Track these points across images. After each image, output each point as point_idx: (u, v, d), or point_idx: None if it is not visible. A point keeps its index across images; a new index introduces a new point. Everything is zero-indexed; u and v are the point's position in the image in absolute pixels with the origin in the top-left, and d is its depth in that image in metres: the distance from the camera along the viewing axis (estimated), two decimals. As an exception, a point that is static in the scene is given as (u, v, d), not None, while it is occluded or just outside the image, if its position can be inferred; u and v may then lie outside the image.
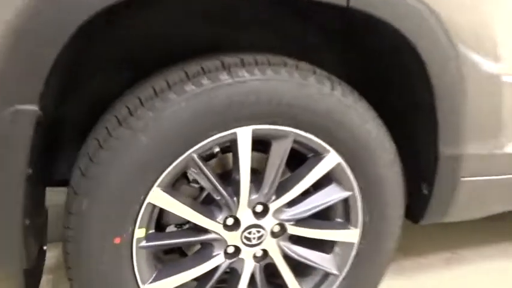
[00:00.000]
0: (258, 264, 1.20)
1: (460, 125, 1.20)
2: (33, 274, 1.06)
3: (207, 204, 1.15)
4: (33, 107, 0.85)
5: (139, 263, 1.07)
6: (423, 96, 1.18)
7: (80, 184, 0.98)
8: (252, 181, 1.14)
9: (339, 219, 1.26)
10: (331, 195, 1.20)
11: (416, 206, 1.36)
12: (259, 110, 1.03)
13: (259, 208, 1.15)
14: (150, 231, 1.09)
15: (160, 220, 1.20)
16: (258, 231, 1.16)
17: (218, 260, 1.15)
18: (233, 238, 1.15)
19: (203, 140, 1.02)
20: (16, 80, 0.83)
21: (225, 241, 1.15)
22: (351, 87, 1.16)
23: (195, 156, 1.03)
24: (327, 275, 1.27)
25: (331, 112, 1.09)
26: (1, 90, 0.83)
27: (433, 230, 1.96)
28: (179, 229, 1.21)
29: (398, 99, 1.30)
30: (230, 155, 1.22)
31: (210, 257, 1.15)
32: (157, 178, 1.01)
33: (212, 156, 1.19)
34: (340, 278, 1.26)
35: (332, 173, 1.18)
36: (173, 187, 1.12)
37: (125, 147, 0.96)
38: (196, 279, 1.18)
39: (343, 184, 1.19)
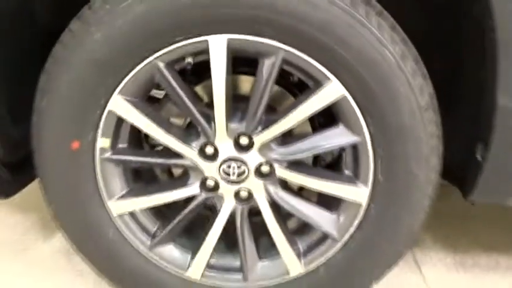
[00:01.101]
0: (240, 206, 1.04)
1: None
2: (14, 170, 1.09)
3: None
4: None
5: (105, 176, 1.01)
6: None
7: (42, 81, 0.94)
8: (238, 108, 0.98)
9: (347, 172, 1.01)
10: (334, 138, 0.95)
11: (467, 176, 1.02)
12: (234, 14, 0.84)
13: (244, 140, 0.98)
14: (121, 145, 1.02)
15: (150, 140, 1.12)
16: (239, 167, 0.99)
17: (192, 190, 1.03)
18: (210, 169, 1.00)
19: (167, 45, 0.88)
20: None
21: (202, 171, 1.01)
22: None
23: (160, 64, 0.90)
24: (325, 237, 1.04)
25: (330, 25, 0.83)
26: None
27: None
28: (154, 149, 1.11)
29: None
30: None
31: (184, 184, 1.03)
32: (118, 84, 0.92)
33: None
34: (339, 245, 1.02)
35: (338, 110, 0.93)
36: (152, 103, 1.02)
37: (79, 43, 0.88)
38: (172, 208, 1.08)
39: (352, 127, 0.93)
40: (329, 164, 1.16)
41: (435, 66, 0.98)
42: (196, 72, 1.05)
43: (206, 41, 0.87)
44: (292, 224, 1.16)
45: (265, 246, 1.10)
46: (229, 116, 0.95)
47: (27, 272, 1.29)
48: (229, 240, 1.13)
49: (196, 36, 0.87)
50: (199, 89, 1.09)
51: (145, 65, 0.90)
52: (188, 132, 1.01)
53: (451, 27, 1.01)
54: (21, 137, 1.04)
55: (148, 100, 1.04)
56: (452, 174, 1.12)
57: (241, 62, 0.99)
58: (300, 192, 1.15)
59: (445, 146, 1.07)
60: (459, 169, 1.06)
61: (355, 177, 0.98)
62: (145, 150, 1.11)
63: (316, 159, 1.16)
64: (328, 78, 0.88)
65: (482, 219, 1.65)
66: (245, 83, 1.08)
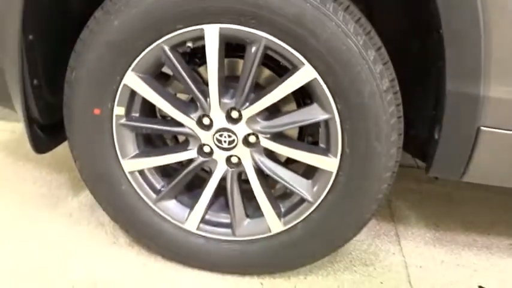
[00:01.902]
0: (230, 170, 1.23)
1: (475, 55, 0.95)
2: (49, 131, 1.32)
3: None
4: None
5: (120, 138, 1.22)
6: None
7: (72, 58, 1.15)
8: (230, 86, 1.16)
9: (322, 145, 1.17)
10: (309, 115, 1.12)
11: (428, 154, 1.16)
12: (224, 7, 1.02)
13: (235, 114, 1.16)
14: (134, 114, 1.22)
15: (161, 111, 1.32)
16: (230, 136, 1.18)
17: (191, 154, 1.23)
18: (206, 137, 1.20)
19: (171, 32, 1.07)
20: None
21: (199, 139, 1.20)
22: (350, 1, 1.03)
23: (165, 47, 1.10)
24: (302, 200, 1.22)
25: (303, 19, 1.00)
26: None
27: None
28: (164, 119, 1.31)
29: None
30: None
31: (184, 149, 1.23)
32: (132, 62, 1.12)
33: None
34: (313, 207, 1.19)
35: (312, 91, 1.09)
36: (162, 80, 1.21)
37: (100, 28, 1.09)
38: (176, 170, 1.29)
39: (324, 105, 1.09)
40: (314, 142, 1.33)
41: (404, 57, 1.14)
42: (201, 55, 1.24)
43: (202, 29, 1.06)
44: (278, 190, 1.34)
45: (253, 207, 1.29)
46: (222, 92, 1.14)
47: (57, 220, 1.53)
48: (222, 201, 1.33)
49: (194, 25, 1.05)
50: (202, 69, 1.27)
51: (153, 47, 1.09)
52: (189, 105, 1.20)
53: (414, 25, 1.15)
54: (56, 104, 1.26)
55: (162, 76, 1.24)
56: (419, 152, 1.27)
57: (239, 48, 1.17)
58: (287, 162, 1.32)
59: (413, 125, 1.23)
60: (424, 147, 1.21)
61: (327, 150, 1.15)
62: (153, 118, 1.31)
63: (303, 135, 1.33)
64: (302, 63, 1.05)
65: (468, 202, 1.77)
66: (240, 65, 1.26)
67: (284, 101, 1.23)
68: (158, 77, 1.21)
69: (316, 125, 1.16)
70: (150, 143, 1.33)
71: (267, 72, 1.26)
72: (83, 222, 1.53)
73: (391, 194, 1.78)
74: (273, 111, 1.20)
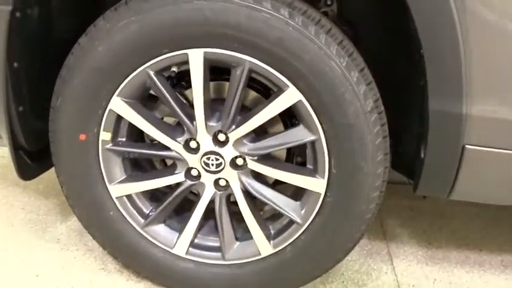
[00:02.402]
0: (219, 193, 1.23)
1: (456, 75, 0.96)
2: (35, 157, 1.31)
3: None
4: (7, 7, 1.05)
5: (107, 163, 1.21)
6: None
7: (58, 84, 1.15)
8: (217, 109, 1.16)
9: (309, 166, 1.17)
10: (296, 136, 1.12)
11: (415, 172, 1.17)
12: (206, 32, 1.02)
13: (221, 137, 1.16)
14: (120, 138, 1.22)
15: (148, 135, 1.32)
16: (217, 159, 1.17)
17: (178, 178, 1.22)
18: (193, 161, 1.19)
19: (156, 57, 1.07)
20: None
21: (186, 162, 1.20)
22: (332, 23, 1.04)
23: (150, 72, 1.10)
24: (291, 222, 1.21)
25: (285, 42, 1.01)
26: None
27: None
28: (148, 142, 1.31)
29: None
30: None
31: (171, 173, 1.23)
32: (117, 88, 1.12)
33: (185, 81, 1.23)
34: (302, 229, 1.18)
35: (298, 113, 1.10)
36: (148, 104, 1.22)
37: (84, 53, 1.09)
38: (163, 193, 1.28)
39: (310, 127, 1.09)
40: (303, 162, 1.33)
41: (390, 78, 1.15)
42: (187, 78, 1.24)
43: (186, 53, 1.06)
44: (267, 211, 1.33)
45: (243, 230, 1.28)
46: (208, 115, 1.14)
47: (46, 246, 1.51)
48: (211, 224, 1.32)
49: (179, 50, 1.06)
50: (188, 92, 1.27)
51: (138, 72, 1.10)
52: (176, 129, 1.20)
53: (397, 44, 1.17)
54: (42, 130, 1.26)
55: (149, 99, 1.24)
56: (407, 170, 1.27)
57: (225, 71, 1.18)
58: (275, 184, 1.32)
59: (401, 144, 1.23)
60: (411, 165, 1.21)
61: (314, 171, 1.15)
62: (140, 143, 1.31)
63: (291, 156, 1.33)
64: (287, 85, 1.05)
65: (459, 218, 1.77)
66: (226, 88, 1.26)
67: (271, 122, 1.23)
68: (145, 101, 1.21)
69: (303, 145, 1.16)
70: (138, 167, 1.32)
71: (253, 94, 1.26)
72: (72, 248, 1.51)
73: (383, 212, 1.78)
74: (259, 133, 1.20)
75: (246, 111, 1.19)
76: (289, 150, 1.33)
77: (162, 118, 1.27)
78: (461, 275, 1.47)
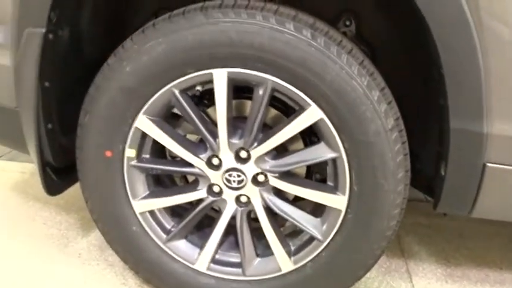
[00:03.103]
0: (240, 209, 1.24)
1: (477, 93, 0.98)
2: (61, 173, 1.35)
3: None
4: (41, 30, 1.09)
5: (131, 179, 1.24)
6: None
7: (86, 102, 1.19)
8: (239, 127, 1.19)
9: (330, 183, 1.18)
10: (317, 153, 1.14)
11: (436, 190, 1.17)
12: (230, 52, 1.06)
13: (243, 154, 1.18)
14: (145, 155, 1.25)
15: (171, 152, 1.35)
16: (239, 176, 1.20)
17: (200, 194, 1.24)
18: (215, 177, 1.21)
19: (181, 76, 1.11)
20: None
21: (208, 178, 1.22)
22: (353, 44, 1.07)
23: (175, 91, 1.13)
24: (312, 238, 1.22)
25: (307, 62, 1.03)
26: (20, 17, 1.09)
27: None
28: (174, 159, 1.33)
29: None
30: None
31: (194, 189, 1.25)
32: (143, 106, 1.15)
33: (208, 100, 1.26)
34: (323, 246, 1.20)
35: (319, 131, 1.12)
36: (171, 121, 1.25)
37: (113, 74, 1.13)
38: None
39: (331, 144, 1.11)
40: (322, 179, 1.34)
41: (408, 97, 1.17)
42: (209, 97, 1.28)
43: (211, 73, 1.10)
44: (287, 227, 1.35)
45: (263, 246, 1.29)
46: (231, 133, 1.17)
47: (67, 261, 1.54)
48: (231, 240, 1.33)
49: (203, 69, 1.09)
50: (211, 110, 1.31)
51: (164, 91, 1.13)
52: (199, 146, 1.23)
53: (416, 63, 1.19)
54: (69, 146, 1.30)
55: (172, 117, 1.28)
56: (426, 188, 1.28)
57: (247, 89, 1.21)
58: (295, 200, 1.33)
59: (420, 161, 1.24)
60: (431, 183, 1.22)
61: (335, 188, 1.16)
62: (163, 159, 1.34)
63: (310, 173, 1.35)
64: (309, 104, 1.08)
65: (478, 236, 1.76)
66: (248, 106, 1.29)
67: (291, 139, 1.25)
68: (168, 119, 1.25)
69: (323, 162, 1.18)
70: (160, 183, 1.35)
71: (274, 112, 1.29)
72: (93, 262, 1.53)
73: (401, 229, 1.78)
74: (280, 151, 1.22)
75: (266, 129, 1.22)
76: (308, 167, 1.35)
77: (185, 135, 1.30)
78: (482, 294, 1.47)
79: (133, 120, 1.17)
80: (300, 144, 1.31)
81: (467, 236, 1.76)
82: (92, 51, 1.32)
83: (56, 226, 1.74)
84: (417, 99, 1.23)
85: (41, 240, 1.64)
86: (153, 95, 1.14)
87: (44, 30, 1.11)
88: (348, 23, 1.35)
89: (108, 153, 1.21)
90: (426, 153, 1.23)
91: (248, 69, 1.08)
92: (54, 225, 1.74)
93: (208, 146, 1.20)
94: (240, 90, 1.24)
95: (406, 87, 1.24)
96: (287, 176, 1.20)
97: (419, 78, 1.21)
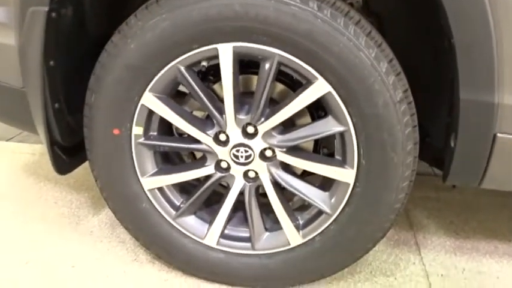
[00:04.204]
0: (248, 184, 1.25)
1: (489, 64, 0.96)
2: (70, 152, 1.35)
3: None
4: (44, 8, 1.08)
5: (139, 157, 1.25)
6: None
7: (92, 81, 1.19)
8: (245, 102, 1.18)
9: (338, 157, 1.18)
10: (324, 127, 1.13)
11: (445, 162, 1.17)
12: (236, 26, 1.04)
13: (250, 129, 1.18)
14: (152, 133, 1.25)
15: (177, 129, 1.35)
16: (246, 151, 1.20)
17: (208, 170, 1.25)
18: (223, 153, 1.22)
19: (186, 52, 1.10)
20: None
21: (216, 154, 1.22)
22: (360, 15, 1.05)
23: (181, 67, 1.13)
24: (320, 212, 1.22)
25: (314, 34, 1.02)
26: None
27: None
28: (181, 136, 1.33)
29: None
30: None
31: (202, 165, 1.25)
32: (149, 83, 1.15)
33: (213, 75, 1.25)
34: (331, 219, 1.20)
35: (326, 104, 1.11)
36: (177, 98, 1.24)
37: (118, 51, 1.13)
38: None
39: (338, 118, 1.11)
40: (330, 153, 1.34)
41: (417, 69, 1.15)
42: (215, 73, 1.27)
43: (216, 48, 1.08)
44: (296, 202, 1.35)
45: (272, 221, 1.30)
46: (237, 109, 1.16)
47: (79, 238, 1.56)
48: (240, 216, 1.34)
49: (208, 45, 1.08)
50: (217, 87, 1.30)
51: (169, 68, 1.12)
52: (206, 122, 1.23)
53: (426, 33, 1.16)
54: (77, 125, 1.30)
55: (178, 94, 1.27)
56: (435, 161, 1.27)
57: (253, 64, 1.20)
58: (303, 175, 1.33)
59: (429, 134, 1.23)
60: (440, 155, 1.21)
61: (343, 161, 1.16)
62: (171, 136, 1.33)
63: (318, 147, 1.35)
64: (316, 77, 1.07)
65: (487, 209, 1.75)
66: (254, 81, 1.28)
67: (298, 114, 1.24)
68: (175, 96, 1.24)
69: (331, 136, 1.17)
70: (168, 161, 1.35)
71: (280, 87, 1.28)
72: (104, 240, 1.56)
73: (410, 203, 1.78)
74: (287, 125, 1.22)
75: (273, 104, 1.21)
76: (316, 141, 1.35)
77: (192, 112, 1.30)
78: (490, 265, 1.47)
79: (139, 98, 1.17)
80: (307, 118, 1.30)
81: (475, 209, 1.76)
82: (96, 29, 1.30)
83: (67, 205, 1.76)
84: (427, 71, 1.21)
85: (53, 220, 1.67)
86: (158, 72, 1.13)
87: (46, 8, 1.09)
88: (355, -5, 1.33)
89: (116, 131, 1.21)
90: (435, 126, 1.22)
91: (254, 43, 1.06)
92: (65, 205, 1.77)
93: (215, 122, 1.19)
94: (246, 65, 1.23)
95: (416, 59, 1.22)
96: (294, 150, 1.20)
97: (429, 49, 1.19)
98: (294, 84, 1.27)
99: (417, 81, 1.17)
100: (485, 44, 0.95)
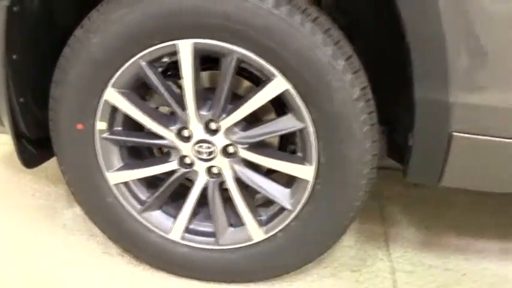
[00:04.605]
0: (212, 180, 1.26)
1: (441, 63, 0.96)
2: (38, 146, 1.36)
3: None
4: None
5: (105, 152, 1.25)
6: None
7: (56, 74, 1.19)
8: (209, 98, 1.19)
9: (299, 154, 1.19)
10: (284, 124, 1.14)
11: (405, 160, 1.17)
12: (195, 22, 1.04)
13: (213, 126, 1.19)
14: (117, 128, 1.26)
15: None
16: (209, 147, 1.20)
17: (172, 166, 1.25)
18: (186, 149, 1.22)
19: (147, 48, 1.10)
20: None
21: (180, 150, 1.23)
22: (320, 12, 1.05)
23: (142, 63, 1.13)
24: (283, 209, 1.23)
25: (271, 31, 1.02)
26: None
27: None
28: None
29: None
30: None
31: (166, 161, 1.26)
32: (111, 78, 1.15)
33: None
34: (292, 216, 1.21)
35: (286, 101, 1.11)
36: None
37: (80, 46, 1.13)
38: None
39: (298, 115, 1.11)
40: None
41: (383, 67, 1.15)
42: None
43: (176, 44, 1.09)
44: (260, 198, 1.36)
45: (237, 216, 1.30)
46: (200, 105, 1.17)
47: (53, 231, 1.57)
48: (207, 211, 1.35)
49: (169, 41, 1.08)
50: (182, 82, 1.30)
51: (131, 63, 1.13)
52: (169, 118, 1.23)
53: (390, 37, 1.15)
54: (43, 119, 1.30)
55: (147, 89, 1.27)
56: (400, 158, 1.27)
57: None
58: (269, 171, 1.34)
59: (394, 131, 1.24)
60: (401, 153, 1.21)
61: (304, 158, 1.16)
62: (136, 132, 1.34)
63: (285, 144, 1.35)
64: (274, 75, 1.07)
65: (460, 206, 1.76)
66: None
67: (264, 110, 1.25)
68: (142, 91, 1.25)
69: (295, 134, 1.18)
70: (138, 155, 1.36)
71: (245, 83, 1.28)
72: (77, 233, 1.57)
73: (384, 199, 1.79)
74: (251, 122, 1.22)
75: (239, 99, 1.21)
76: (283, 138, 1.35)
77: (158, 107, 1.31)
78: (458, 262, 1.47)
79: (102, 93, 1.17)
80: (273, 115, 1.30)
81: (449, 205, 1.76)
82: (64, 23, 1.30)
83: (45, 197, 1.78)
84: (391, 69, 1.20)
85: (30, 211, 1.68)
86: (120, 67, 1.14)
87: (7, 3, 1.10)
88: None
89: (80, 126, 1.22)
90: (399, 124, 1.22)
91: (213, 39, 1.06)
92: (42, 196, 1.78)
93: (178, 118, 1.20)
94: (213, 61, 1.23)
95: (383, 57, 1.21)
96: (257, 147, 1.20)
97: (391, 48, 1.19)
98: (259, 80, 1.27)
99: (384, 79, 1.18)
100: (437, 43, 0.95)
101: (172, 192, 1.32)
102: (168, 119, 1.23)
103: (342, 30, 1.10)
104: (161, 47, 1.10)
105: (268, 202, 1.30)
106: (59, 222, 1.63)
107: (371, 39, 1.25)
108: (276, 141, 1.34)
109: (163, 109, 1.32)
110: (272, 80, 1.08)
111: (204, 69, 1.24)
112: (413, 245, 1.55)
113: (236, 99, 1.19)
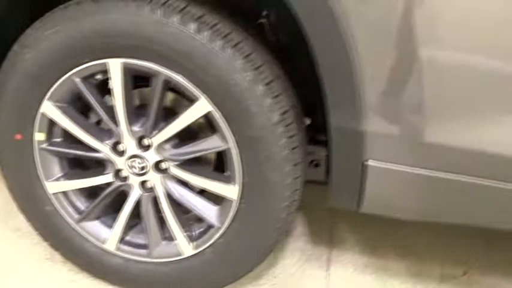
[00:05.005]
0: (145, 194, 1.29)
1: (352, 92, 0.98)
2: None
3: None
4: None
5: (44, 162, 1.29)
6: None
7: (-3, 86, 1.24)
8: (142, 115, 1.22)
9: (227, 173, 1.21)
10: (211, 144, 1.17)
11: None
12: (123, 43, 1.08)
13: (146, 142, 1.22)
14: (55, 139, 1.30)
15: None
16: (140, 162, 1.23)
17: (107, 178, 1.29)
18: (120, 163, 1.26)
19: (79, 65, 1.14)
20: None
21: (115, 164, 1.27)
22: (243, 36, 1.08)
23: (76, 79, 1.17)
24: (211, 225, 1.26)
25: (192, 56, 1.05)
26: None
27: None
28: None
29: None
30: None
31: (101, 173, 1.30)
32: (46, 92, 1.19)
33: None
34: (220, 233, 1.23)
35: (211, 122, 1.14)
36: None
37: (17, 60, 1.17)
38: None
39: (222, 136, 1.14)
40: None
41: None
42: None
43: (106, 63, 1.12)
44: (192, 214, 1.38)
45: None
46: (133, 120, 1.20)
47: (5, 234, 1.61)
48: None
49: (99, 59, 1.12)
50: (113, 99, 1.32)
51: (65, 79, 1.16)
52: (105, 132, 1.26)
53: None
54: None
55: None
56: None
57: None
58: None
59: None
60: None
61: (231, 178, 1.19)
62: (74, 144, 1.37)
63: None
64: (198, 96, 1.10)
65: (411, 227, 1.76)
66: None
67: (201, 129, 1.28)
68: (83, 105, 1.28)
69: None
70: (80, 166, 1.39)
71: (181, 100, 1.31)
72: (27, 237, 1.60)
73: (336, 217, 1.80)
74: (184, 139, 1.25)
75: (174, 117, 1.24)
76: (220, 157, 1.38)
77: (99, 121, 1.34)
78: (393, 285, 1.49)
79: (38, 106, 1.21)
80: (209, 133, 1.33)
81: (401, 224, 1.76)
82: (11, 33, 1.34)
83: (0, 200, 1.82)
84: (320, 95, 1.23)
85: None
86: (55, 82, 1.17)
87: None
88: (265, 13, 1.35)
89: (18, 136, 1.26)
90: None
91: (140, 60, 1.10)
92: None
93: (113, 132, 1.23)
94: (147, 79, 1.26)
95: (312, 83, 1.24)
96: (189, 164, 1.23)
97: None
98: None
99: (314, 104, 1.20)
100: (346, 71, 0.97)
101: (112, 204, 1.36)
102: (104, 133, 1.26)
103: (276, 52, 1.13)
104: (92, 65, 1.13)
105: (200, 219, 1.33)
106: (13, 225, 1.67)
107: (301, 65, 1.26)
108: (213, 159, 1.36)
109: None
110: (196, 101, 1.11)
111: (138, 87, 1.28)
112: (354, 266, 1.56)
113: (171, 116, 1.22)
